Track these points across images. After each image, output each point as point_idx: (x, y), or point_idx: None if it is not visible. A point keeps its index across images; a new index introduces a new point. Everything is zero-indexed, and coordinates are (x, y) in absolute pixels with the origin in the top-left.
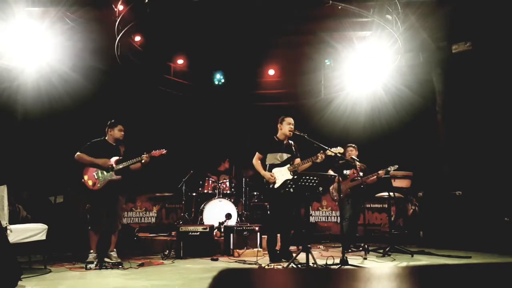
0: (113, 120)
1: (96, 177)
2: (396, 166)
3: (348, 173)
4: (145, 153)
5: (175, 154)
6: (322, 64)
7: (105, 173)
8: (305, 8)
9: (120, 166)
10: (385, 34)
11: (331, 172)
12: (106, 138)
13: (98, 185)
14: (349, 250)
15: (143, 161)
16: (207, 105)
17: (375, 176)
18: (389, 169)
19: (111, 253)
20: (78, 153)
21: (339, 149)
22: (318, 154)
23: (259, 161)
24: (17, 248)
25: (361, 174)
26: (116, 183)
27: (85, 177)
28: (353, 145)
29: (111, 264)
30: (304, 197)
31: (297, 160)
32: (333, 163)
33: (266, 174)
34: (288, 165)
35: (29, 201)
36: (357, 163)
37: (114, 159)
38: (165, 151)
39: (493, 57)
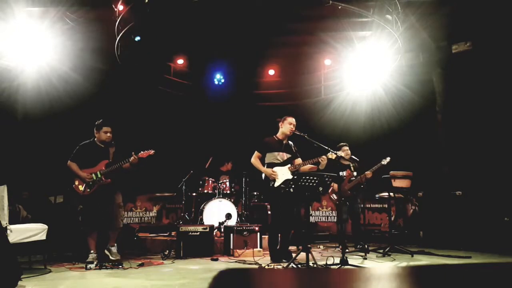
0: (100, 121)
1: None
2: (389, 159)
3: (344, 174)
4: (133, 153)
5: (175, 154)
6: (322, 64)
7: (94, 177)
8: (305, 8)
9: (108, 170)
10: (385, 34)
11: None
12: (95, 139)
13: (88, 189)
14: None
15: (131, 161)
16: (207, 105)
17: (367, 175)
18: (383, 162)
19: (112, 248)
20: (68, 161)
21: (340, 153)
22: (321, 158)
23: (258, 160)
24: (17, 248)
25: (355, 173)
26: (107, 185)
27: (76, 182)
28: (347, 144)
29: (111, 264)
30: (304, 197)
31: (298, 161)
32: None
33: (267, 170)
34: (289, 165)
35: (29, 201)
36: (350, 163)
37: (103, 162)
38: (152, 152)
39: (493, 57)
